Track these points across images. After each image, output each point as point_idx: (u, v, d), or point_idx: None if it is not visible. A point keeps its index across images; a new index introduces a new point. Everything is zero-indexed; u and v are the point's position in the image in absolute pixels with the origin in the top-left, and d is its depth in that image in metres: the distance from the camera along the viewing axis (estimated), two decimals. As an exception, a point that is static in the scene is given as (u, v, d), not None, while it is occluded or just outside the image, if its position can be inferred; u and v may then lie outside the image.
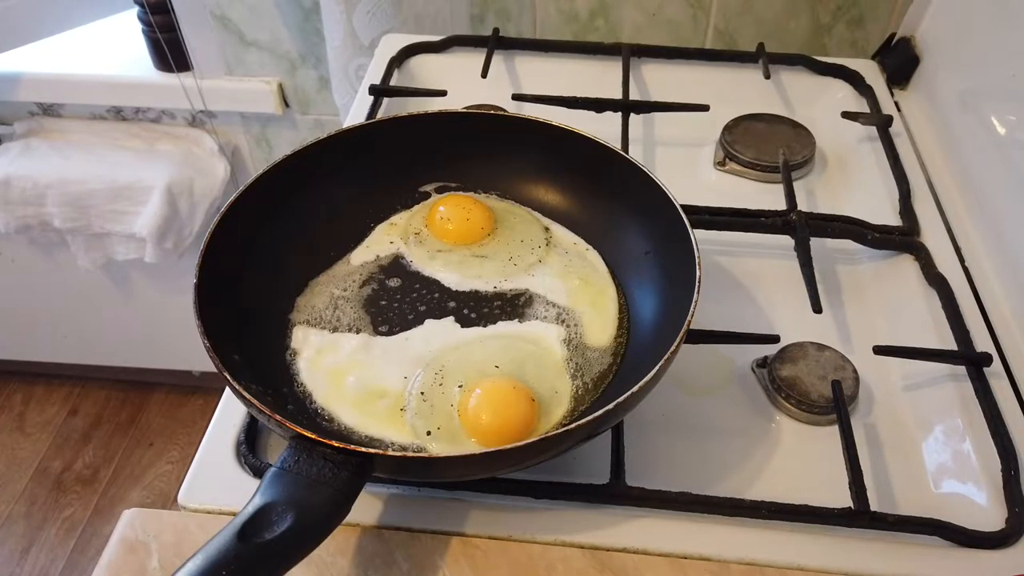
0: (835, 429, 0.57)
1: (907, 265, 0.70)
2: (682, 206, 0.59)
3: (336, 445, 0.45)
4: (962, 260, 0.71)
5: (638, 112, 0.83)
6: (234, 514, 0.43)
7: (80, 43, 1.35)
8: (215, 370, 0.48)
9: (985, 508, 0.54)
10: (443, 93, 0.85)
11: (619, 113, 0.81)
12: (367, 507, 0.53)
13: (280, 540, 0.41)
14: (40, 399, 1.83)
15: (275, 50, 1.24)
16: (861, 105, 0.87)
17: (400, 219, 0.69)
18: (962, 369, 0.61)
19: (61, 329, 1.68)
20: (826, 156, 0.84)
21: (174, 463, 1.72)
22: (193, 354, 1.64)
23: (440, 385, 0.56)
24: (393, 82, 0.89)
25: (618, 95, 0.84)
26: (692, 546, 0.52)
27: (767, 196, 0.78)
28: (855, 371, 0.61)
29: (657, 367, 0.48)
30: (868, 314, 0.69)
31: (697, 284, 0.54)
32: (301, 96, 1.30)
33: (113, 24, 1.35)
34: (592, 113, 0.81)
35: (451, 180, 0.71)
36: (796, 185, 0.77)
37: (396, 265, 0.65)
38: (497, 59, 0.91)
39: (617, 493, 0.53)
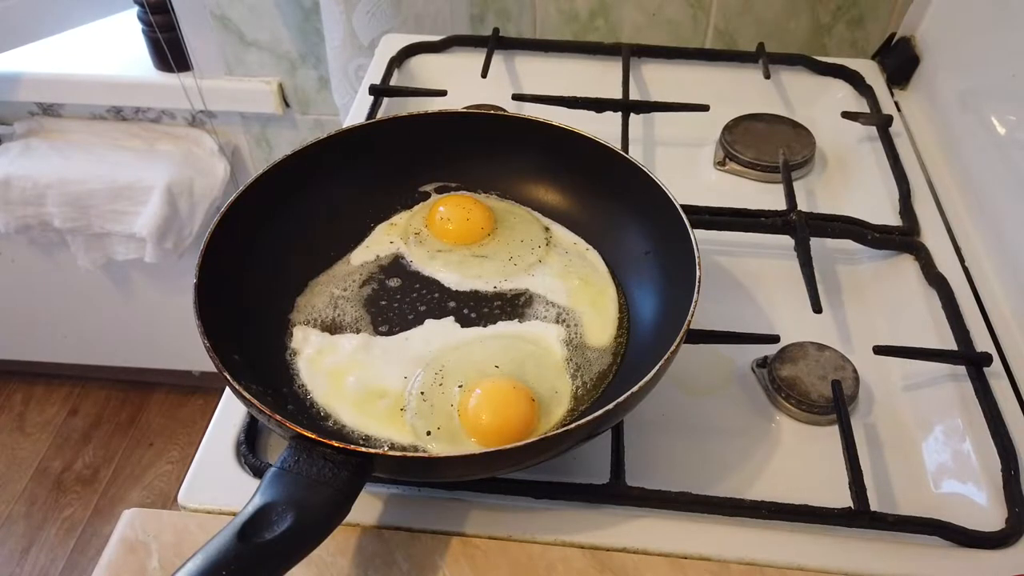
0: (835, 429, 0.57)
1: (907, 265, 0.70)
2: (682, 206, 0.59)
3: (336, 445, 0.45)
4: (962, 260, 0.71)
5: (638, 112, 0.83)
6: (234, 514, 0.42)
7: (80, 43, 1.35)
8: (215, 370, 0.48)
9: (985, 508, 0.54)
10: (443, 93, 0.85)
11: (619, 113, 0.81)
12: (367, 507, 0.53)
13: (280, 540, 0.41)
14: (40, 399, 1.83)
15: (275, 50, 1.24)
16: (861, 105, 0.87)
17: (400, 219, 0.69)
18: (962, 369, 0.61)
19: (61, 329, 1.68)
20: (826, 156, 0.84)
21: (174, 463, 1.72)
22: (193, 354, 1.64)
23: (440, 385, 0.56)
24: (393, 82, 0.89)
25: (618, 95, 0.84)
26: (692, 546, 0.52)
27: (767, 196, 0.78)
28: (855, 371, 0.61)
29: (657, 367, 0.48)
30: (868, 314, 0.69)
31: (697, 284, 0.54)
32: (301, 96, 1.30)
33: (113, 24, 1.35)
34: (592, 113, 0.81)
35: (451, 180, 0.71)
36: (796, 185, 0.77)
37: (396, 265, 0.65)
38: (497, 59, 0.91)
39: (617, 493, 0.53)
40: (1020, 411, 0.59)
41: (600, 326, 0.60)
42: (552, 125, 0.66)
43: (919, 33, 0.90)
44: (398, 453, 0.51)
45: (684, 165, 0.84)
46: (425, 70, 0.93)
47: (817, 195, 0.80)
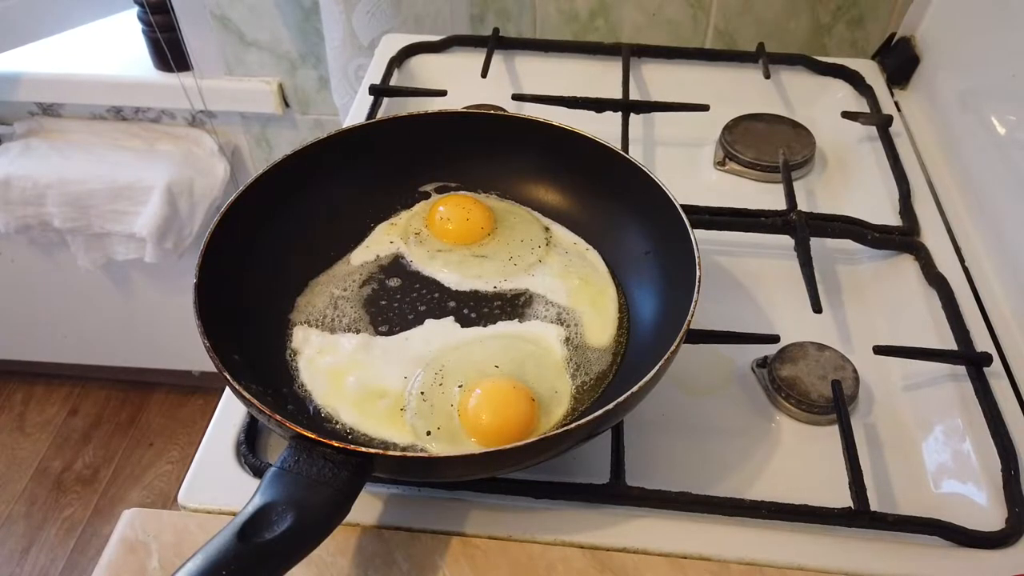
0: (835, 429, 0.57)
1: (907, 265, 0.70)
2: (682, 206, 0.59)
3: (336, 445, 0.45)
4: (962, 260, 0.71)
5: (638, 112, 0.83)
6: (234, 514, 0.43)
7: (80, 43, 1.35)
8: (215, 370, 0.48)
9: (985, 508, 0.54)
10: (443, 93, 0.85)
11: (619, 113, 0.81)
12: (367, 507, 0.53)
13: (280, 540, 0.41)
14: (40, 399, 1.83)
15: (275, 50, 1.24)
16: (861, 105, 0.87)
17: (400, 219, 0.69)
18: (962, 369, 0.61)
19: (61, 329, 1.68)
20: (826, 156, 0.84)
21: (174, 463, 1.72)
22: (193, 354, 1.64)
23: (440, 385, 0.56)
24: (393, 82, 0.89)
25: (618, 95, 0.84)
26: (692, 546, 0.52)
27: (767, 196, 0.78)
28: (855, 371, 0.61)
29: (657, 367, 0.48)
30: (868, 314, 0.69)
31: (697, 284, 0.54)
32: (301, 96, 1.30)
33: (113, 24, 1.35)
34: (592, 113, 0.81)
35: (451, 180, 0.71)
36: (796, 185, 0.77)
37: (396, 265, 0.65)
38: (497, 59, 0.91)
39: (617, 493, 0.53)
40: (1020, 411, 0.59)
41: (600, 326, 0.60)
42: (552, 125, 0.66)
43: (919, 33, 0.90)
44: (398, 453, 0.51)
45: (684, 165, 0.84)
46: (425, 70, 0.93)
47: (817, 195, 0.80)
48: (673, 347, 0.50)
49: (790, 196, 0.73)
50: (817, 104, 0.89)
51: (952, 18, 0.85)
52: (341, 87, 1.12)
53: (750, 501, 0.53)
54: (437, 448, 0.52)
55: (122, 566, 0.51)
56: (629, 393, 0.47)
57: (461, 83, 0.87)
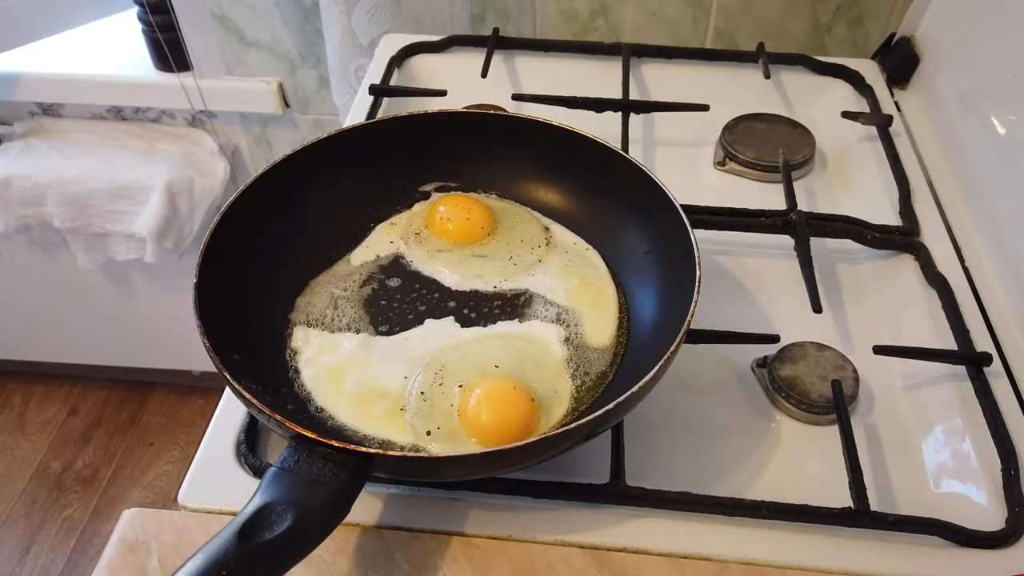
0: (835, 429, 0.57)
1: (907, 265, 0.70)
2: (682, 206, 0.59)
3: (336, 445, 0.45)
4: (962, 260, 0.71)
5: (638, 112, 0.83)
6: (234, 514, 0.43)
7: (80, 43, 1.35)
8: (215, 370, 0.48)
9: (985, 508, 0.54)
10: (443, 93, 0.85)
11: (619, 113, 0.81)
12: (367, 507, 0.53)
13: (280, 540, 0.41)
14: (40, 399, 1.83)
15: (275, 50, 1.24)
16: (861, 105, 0.87)
17: (400, 219, 0.69)
18: (962, 369, 0.61)
19: (61, 329, 1.68)
20: (826, 156, 0.84)
21: (174, 463, 1.72)
22: (193, 354, 1.63)
23: (440, 385, 0.56)
24: (393, 82, 0.89)
25: (618, 95, 0.84)
26: (692, 546, 0.52)
27: (767, 196, 0.78)
28: (855, 371, 0.61)
29: (657, 367, 0.48)
30: (868, 314, 0.69)
31: (697, 284, 0.54)
32: (301, 96, 1.30)
33: (113, 24, 1.35)
34: (592, 113, 0.81)
35: (451, 180, 0.71)
36: (796, 185, 0.77)
37: (396, 265, 0.65)
38: (497, 59, 0.91)
39: (617, 493, 0.53)
40: (1020, 411, 0.59)
41: (600, 326, 0.60)
42: (552, 125, 0.66)
43: (919, 33, 0.90)
44: (398, 453, 0.51)
45: (684, 165, 0.84)
46: (425, 70, 0.93)
47: (817, 195, 0.80)
48: (673, 347, 0.50)
49: (790, 196, 0.73)
50: (817, 104, 0.89)
51: (952, 18, 0.85)
52: (341, 87, 1.12)
53: (750, 501, 0.53)
54: (437, 448, 0.52)
55: (122, 566, 0.51)
56: (629, 393, 0.47)
57: (461, 83, 0.87)
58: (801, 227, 0.69)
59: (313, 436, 0.45)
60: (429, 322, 0.61)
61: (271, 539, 0.41)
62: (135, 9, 1.25)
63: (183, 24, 1.22)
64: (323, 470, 0.44)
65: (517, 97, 0.84)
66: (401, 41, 0.94)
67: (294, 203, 0.64)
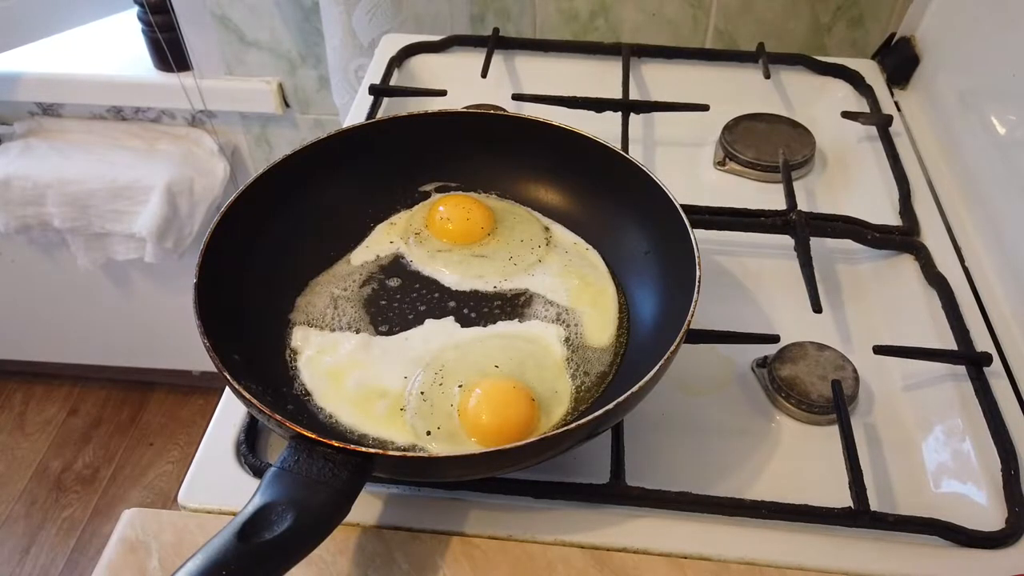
0: (835, 429, 0.57)
1: (907, 265, 0.70)
2: (682, 206, 0.59)
3: (336, 445, 0.45)
4: (962, 260, 0.71)
5: (638, 112, 0.83)
6: (234, 514, 0.43)
7: (80, 43, 1.35)
8: (215, 370, 0.48)
9: (985, 508, 0.54)
10: (443, 93, 0.85)
11: (619, 113, 0.81)
12: (367, 507, 0.53)
13: (280, 540, 0.41)
14: (40, 399, 1.83)
15: (275, 50, 1.24)
16: (861, 105, 0.87)
17: (400, 219, 0.69)
18: (962, 369, 0.61)
19: (61, 329, 1.68)
20: (826, 156, 0.84)
21: (174, 463, 1.72)
22: (193, 354, 1.63)
23: (440, 385, 0.56)
24: (393, 82, 0.89)
25: (618, 95, 0.84)
26: (692, 546, 0.52)
27: (767, 196, 0.78)
28: (855, 371, 0.61)
29: (657, 367, 0.48)
30: (868, 314, 0.69)
31: (697, 284, 0.54)
32: (301, 96, 1.30)
33: (113, 24, 1.35)
34: (592, 113, 0.81)
35: (451, 180, 0.71)
36: (796, 185, 0.77)
37: (396, 265, 0.65)
38: (497, 59, 0.91)
39: (617, 493, 0.53)
40: (1020, 411, 0.59)
41: (600, 326, 0.60)
42: (552, 125, 0.66)
43: (919, 33, 0.90)
44: (398, 453, 0.51)
45: (684, 165, 0.84)
46: (425, 70, 0.93)
47: (817, 195, 0.80)
48: (673, 347, 0.50)
49: (790, 196, 0.73)
50: (817, 104, 0.89)
51: (952, 18, 0.85)
52: (341, 87, 1.12)
53: (750, 501, 0.53)
54: (437, 448, 0.52)
55: (122, 566, 0.51)
56: (629, 393, 0.47)
57: (461, 83, 0.87)
58: (801, 227, 0.69)
59: (313, 436, 0.45)
60: (429, 322, 0.61)
61: (271, 539, 0.41)
62: (135, 9, 1.25)
63: (183, 24, 1.22)
64: (323, 470, 0.44)
65: (517, 97, 0.84)
66: (401, 41, 0.94)
67: (294, 203, 0.64)
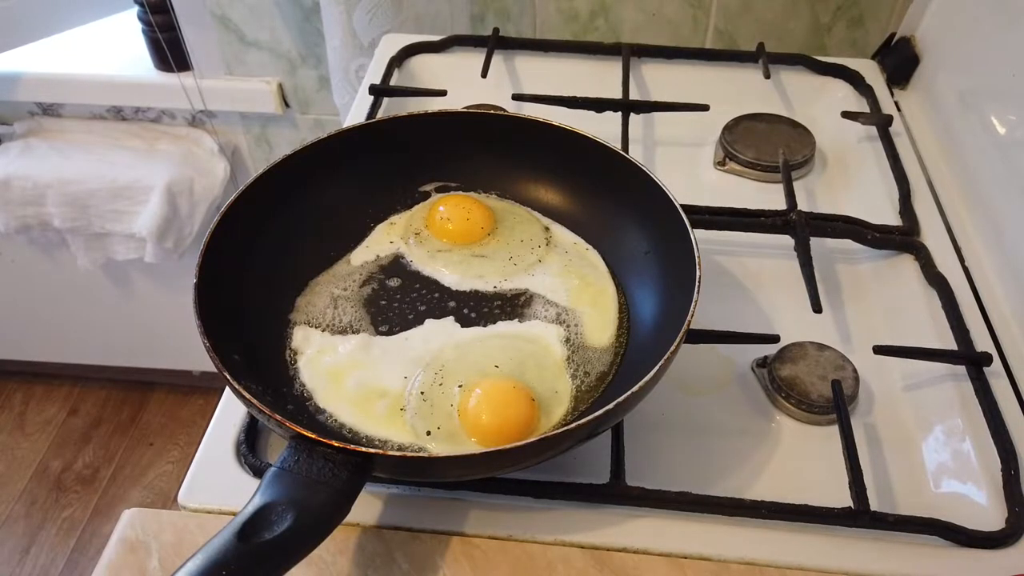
0: (835, 429, 0.57)
1: (907, 265, 0.70)
2: (682, 206, 0.59)
3: (336, 445, 0.45)
4: (962, 260, 0.71)
5: (638, 112, 0.83)
6: (234, 514, 0.43)
7: (80, 43, 1.35)
8: (215, 370, 0.48)
9: (985, 508, 0.54)
10: (443, 93, 0.85)
11: (619, 113, 0.81)
12: (367, 507, 0.53)
13: (280, 540, 0.41)
14: (40, 399, 1.83)
15: (275, 50, 1.24)
16: (861, 105, 0.87)
17: (400, 219, 0.69)
18: (962, 369, 0.61)
19: (61, 329, 1.68)
20: (826, 156, 0.84)
21: (174, 463, 1.72)
22: (193, 354, 1.63)
23: (440, 385, 0.56)
24: (393, 82, 0.89)
25: (618, 95, 0.84)
26: (692, 546, 0.52)
27: (767, 196, 0.78)
28: (855, 371, 0.61)
29: (657, 367, 0.48)
30: (868, 314, 0.69)
31: (697, 284, 0.54)
32: (301, 96, 1.30)
33: (113, 24, 1.35)
34: (592, 113, 0.81)
35: (451, 180, 0.71)
36: (796, 185, 0.77)
37: (396, 265, 0.65)
38: (497, 59, 0.91)
39: (617, 493, 0.53)
40: (1020, 411, 0.59)
41: (600, 326, 0.60)
42: (552, 125, 0.66)
43: (919, 33, 0.90)
44: (398, 453, 0.51)
45: (684, 165, 0.84)
46: (425, 70, 0.93)
47: (817, 195, 0.80)
48: (673, 347, 0.50)
49: (790, 196, 0.73)
50: (817, 104, 0.89)
51: (952, 18, 0.85)
52: (342, 87, 1.12)
53: (750, 501, 0.53)
54: (437, 448, 0.52)
55: (122, 566, 0.51)
56: (629, 393, 0.47)
57: (461, 83, 0.87)
58: (801, 227, 0.69)
59: (313, 436, 0.45)
60: (429, 322, 0.61)
61: (271, 539, 0.41)
62: (135, 9, 1.25)
63: (183, 24, 1.22)
64: (323, 470, 0.44)
65: (517, 97, 0.84)
66: (401, 41, 0.94)
67: (294, 203, 0.64)
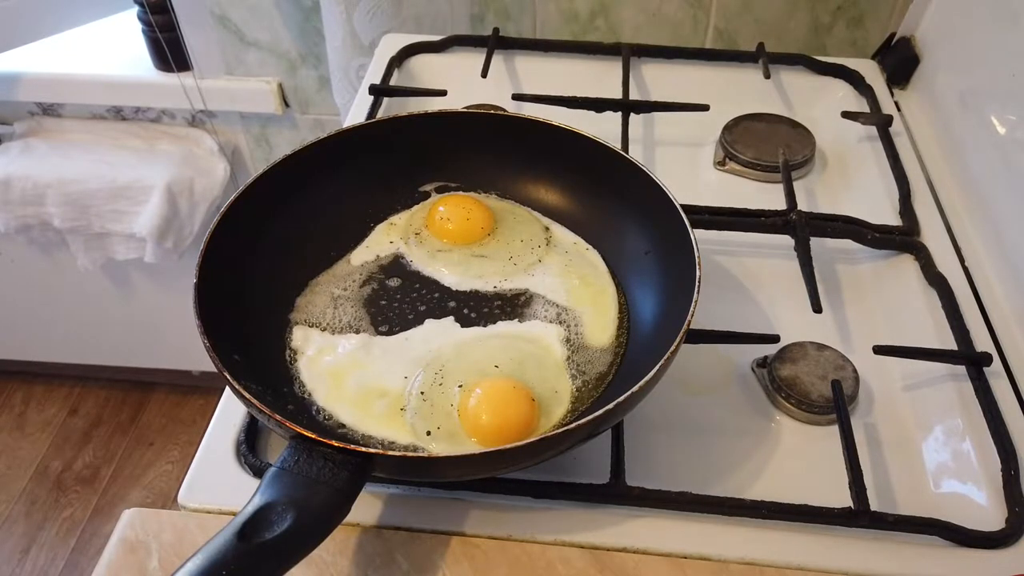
0: (835, 429, 0.57)
1: (907, 265, 0.70)
2: (682, 206, 0.59)
3: (336, 445, 0.45)
4: (962, 260, 0.71)
5: (638, 112, 0.83)
6: (234, 514, 0.42)
7: (80, 43, 1.35)
8: (215, 370, 0.48)
9: (985, 508, 0.54)
10: (443, 93, 0.85)
11: (619, 113, 0.81)
12: (367, 507, 0.53)
13: (280, 540, 0.41)
14: (40, 399, 1.83)
15: (275, 50, 1.24)
16: (861, 105, 0.87)
17: (400, 219, 0.69)
18: (962, 369, 0.61)
19: (61, 329, 1.68)
20: (826, 156, 0.84)
21: (174, 463, 1.72)
22: (193, 354, 1.64)
23: (440, 385, 0.56)
24: (393, 82, 0.89)
25: (618, 95, 0.84)
26: (692, 546, 0.52)
27: (767, 196, 0.78)
28: (855, 371, 0.61)
29: (657, 367, 0.48)
30: (868, 314, 0.69)
31: (697, 284, 0.54)
32: (301, 96, 1.30)
33: (113, 24, 1.35)
34: (592, 113, 0.81)
35: (451, 180, 0.71)
36: (796, 185, 0.77)
37: (396, 265, 0.65)
38: (497, 59, 0.91)
39: (617, 493, 0.53)
40: (1020, 411, 0.59)
41: (600, 326, 0.60)
42: (552, 125, 0.66)
43: (919, 33, 0.90)
44: (398, 453, 0.51)
45: (684, 165, 0.84)
46: (425, 70, 0.93)
47: (817, 195, 0.80)
48: (673, 347, 0.50)
49: (790, 196, 0.73)
50: (817, 104, 0.89)
51: (952, 18, 0.85)
52: (342, 87, 1.12)
53: (750, 501, 0.53)
54: (437, 448, 0.52)
55: (122, 566, 0.51)
56: (629, 393, 0.47)
57: (461, 83, 0.87)
58: (801, 227, 0.69)
59: (313, 436, 0.45)
60: (429, 322, 0.61)
61: (271, 539, 0.41)
62: (135, 9, 1.25)
63: (183, 24, 1.22)
64: (323, 470, 0.44)
65: (517, 97, 0.84)
66: (401, 41, 0.94)
67: (294, 203, 0.64)
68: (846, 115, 0.84)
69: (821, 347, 0.63)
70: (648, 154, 0.84)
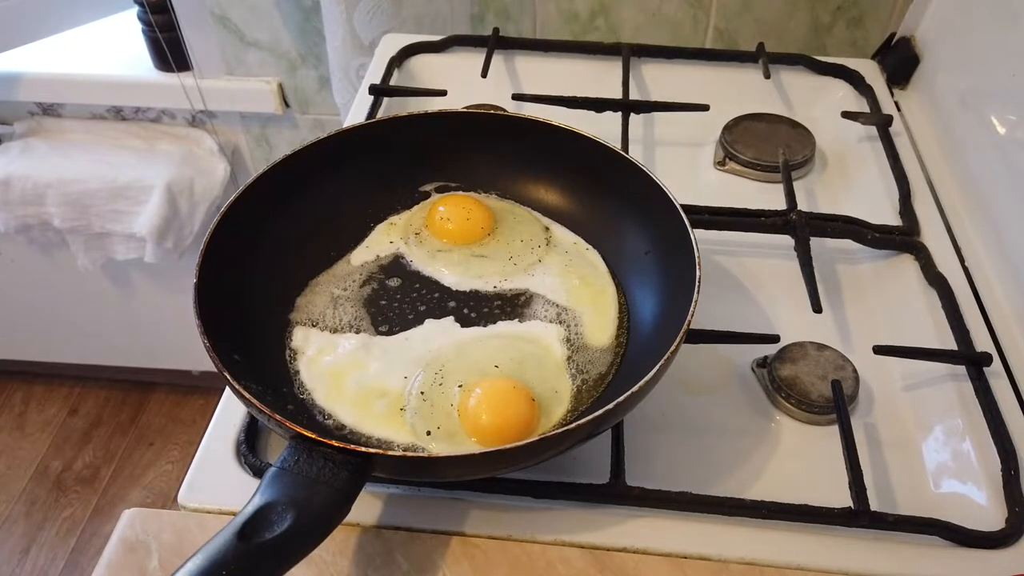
0: (835, 429, 0.57)
1: (907, 265, 0.70)
2: (682, 206, 0.59)
3: (336, 445, 0.45)
4: (962, 260, 0.71)
5: (638, 112, 0.83)
6: (234, 514, 0.42)
7: (80, 43, 1.35)
8: (215, 370, 0.48)
9: (985, 508, 0.54)
10: (443, 93, 0.85)
11: (619, 113, 0.81)
12: (367, 507, 0.53)
13: (280, 540, 0.41)
14: (40, 399, 1.83)
15: (275, 50, 1.24)
16: (861, 105, 0.87)
17: (400, 219, 0.69)
18: (962, 369, 0.61)
19: (61, 329, 1.68)
20: (826, 156, 0.84)
21: (174, 463, 1.72)
22: (193, 354, 1.64)
23: (440, 385, 0.56)
24: (393, 82, 0.89)
25: (618, 95, 0.84)
26: (692, 546, 0.52)
27: (767, 196, 0.78)
28: (855, 371, 0.61)
29: (657, 367, 0.48)
30: (868, 314, 0.69)
31: (697, 284, 0.54)
32: (301, 96, 1.30)
33: (113, 24, 1.35)
34: (592, 113, 0.81)
35: (451, 180, 0.71)
36: (796, 185, 0.77)
37: (396, 265, 0.65)
38: (497, 59, 0.91)
39: (617, 493, 0.53)
40: (1020, 411, 0.59)
41: (600, 326, 0.60)
42: (552, 125, 0.66)
43: (919, 33, 0.90)
44: (398, 453, 0.51)
45: (684, 165, 0.84)
46: (425, 70, 0.93)
47: (817, 195, 0.80)
48: (673, 347, 0.50)
49: (790, 196, 0.73)
50: (817, 104, 0.89)
51: (952, 18, 0.85)
52: (342, 87, 1.12)
53: (750, 501, 0.53)
54: (437, 448, 0.52)
55: (122, 566, 0.51)
56: (629, 393, 0.47)
57: (461, 83, 0.87)
58: (801, 227, 0.69)
59: (313, 436, 0.45)
60: (429, 322, 0.61)
61: (271, 539, 0.41)
62: (135, 9, 1.25)
63: (183, 24, 1.22)
64: (323, 470, 0.44)
65: (517, 97, 0.84)
66: (401, 41, 0.94)
67: (294, 203, 0.64)
68: (846, 115, 0.84)
69: (821, 347, 0.63)
70: (648, 154, 0.84)
